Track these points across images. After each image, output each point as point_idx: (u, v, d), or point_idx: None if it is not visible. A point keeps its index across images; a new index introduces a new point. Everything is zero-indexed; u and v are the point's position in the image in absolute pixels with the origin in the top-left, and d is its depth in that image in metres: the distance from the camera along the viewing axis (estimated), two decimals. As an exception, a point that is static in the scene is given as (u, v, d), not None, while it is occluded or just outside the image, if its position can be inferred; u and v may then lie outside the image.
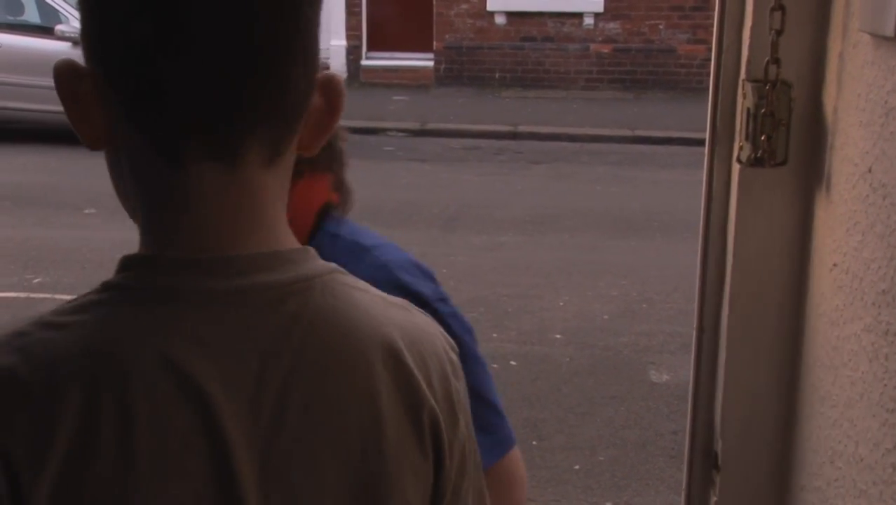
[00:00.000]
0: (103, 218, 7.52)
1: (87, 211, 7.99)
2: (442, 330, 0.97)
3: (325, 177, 1.39)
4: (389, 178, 9.03)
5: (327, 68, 1.33)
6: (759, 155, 1.20)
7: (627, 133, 11.82)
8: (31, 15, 11.57)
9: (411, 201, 8.28)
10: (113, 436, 0.78)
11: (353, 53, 15.04)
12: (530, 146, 11.44)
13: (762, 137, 1.19)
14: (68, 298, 0.85)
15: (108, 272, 0.86)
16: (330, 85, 0.89)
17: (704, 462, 1.36)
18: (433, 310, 1.32)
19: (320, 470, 0.85)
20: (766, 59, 1.18)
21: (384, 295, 0.93)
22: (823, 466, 1.17)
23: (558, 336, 5.69)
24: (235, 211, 0.84)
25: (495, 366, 4.84)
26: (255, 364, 0.83)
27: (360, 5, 15.01)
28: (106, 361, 0.80)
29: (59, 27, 10.75)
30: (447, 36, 14.92)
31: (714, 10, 1.28)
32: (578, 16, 14.64)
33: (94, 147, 0.86)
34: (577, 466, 4.31)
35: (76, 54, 0.86)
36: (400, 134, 11.62)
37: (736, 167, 1.25)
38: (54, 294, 6.03)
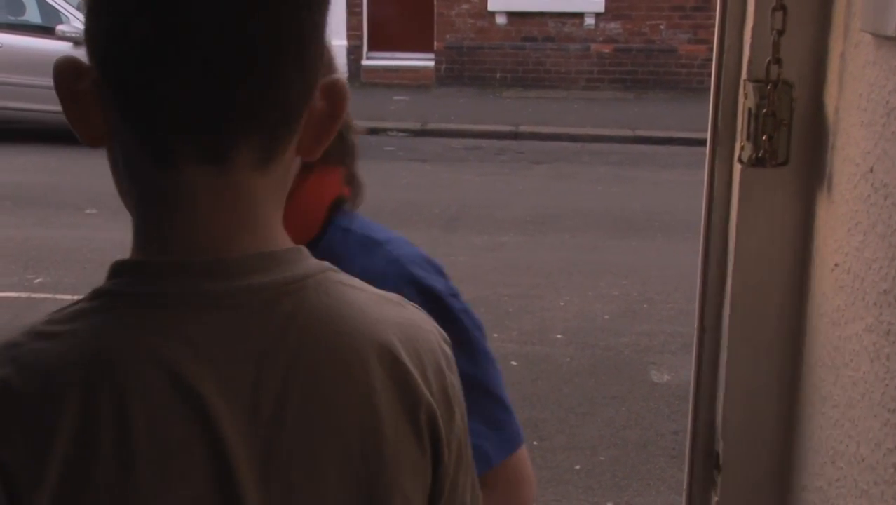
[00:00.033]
0: (104, 218, 7.53)
1: (87, 211, 8.00)
2: (435, 323, 0.97)
3: (337, 170, 1.38)
4: (390, 179, 9.03)
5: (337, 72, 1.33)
6: (760, 155, 1.20)
7: (628, 133, 11.82)
8: (32, 15, 11.57)
9: (412, 201, 8.28)
10: (111, 443, 0.78)
11: (353, 53, 15.04)
12: (531, 146, 11.44)
13: (763, 137, 1.19)
14: (69, 298, 0.85)
15: (108, 272, 0.86)
16: (333, 89, 0.89)
17: (706, 462, 1.36)
18: (445, 305, 1.31)
19: (320, 470, 0.85)
20: (768, 59, 1.18)
21: (378, 291, 0.93)
22: (825, 467, 1.17)
23: (559, 336, 5.68)
24: (226, 212, 0.84)
25: (496, 366, 4.83)
26: (252, 367, 0.83)
27: (360, 5, 15.02)
28: (101, 368, 0.80)
29: (60, 27, 10.76)
30: (448, 36, 14.92)
31: (715, 10, 1.28)
32: (579, 16, 14.64)
33: (91, 144, 0.86)
34: (577, 467, 4.31)
35: (78, 54, 0.86)
36: (401, 134, 11.62)
37: (737, 167, 1.25)
38: (55, 294, 6.04)
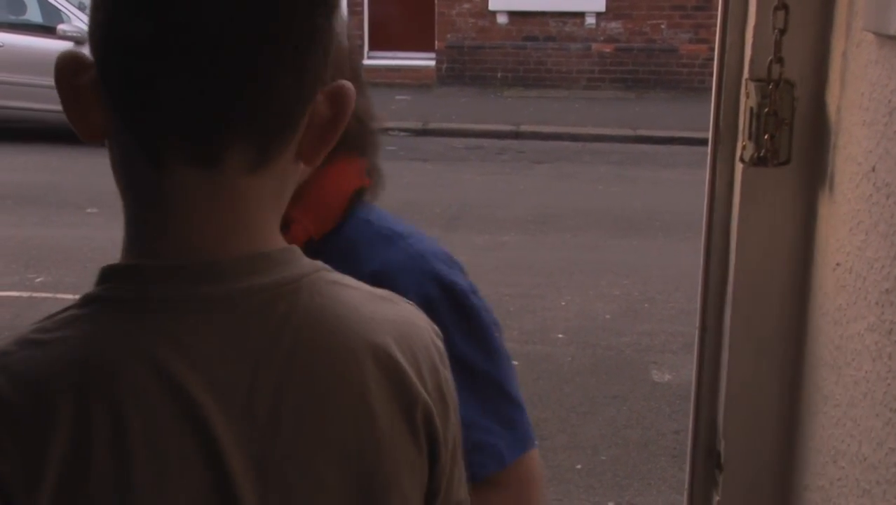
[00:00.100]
0: (105, 217, 7.52)
1: (88, 210, 8.00)
2: (427, 318, 0.97)
3: (359, 161, 1.37)
4: (391, 178, 8.94)
5: (357, 77, 1.32)
6: (762, 154, 1.20)
7: (629, 133, 11.81)
8: (34, 14, 11.57)
9: (413, 201, 8.28)
10: (107, 449, 0.78)
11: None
12: (532, 146, 11.44)
13: (765, 137, 1.19)
14: (70, 297, 0.85)
15: (109, 271, 0.85)
16: (339, 95, 0.88)
17: (707, 461, 1.36)
18: (465, 301, 1.31)
19: (317, 472, 0.84)
20: (770, 58, 1.18)
21: (371, 289, 0.93)
22: (826, 466, 1.16)
23: (560, 336, 5.68)
24: (219, 214, 0.83)
25: (497, 365, 4.82)
26: (247, 371, 0.82)
27: (361, 5, 15.02)
28: (94, 374, 0.79)
29: (61, 27, 10.76)
30: (449, 35, 14.92)
31: (716, 9, 1.28)
32: (580, 15, 14.63)
33: (90, 141, 0.86)
34: (578, 466, 4.31)
35: None
36: (402, 133, 11.61)
37: (739, 166, 1.25)
38: (56, 293, 6.04)
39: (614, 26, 14.59)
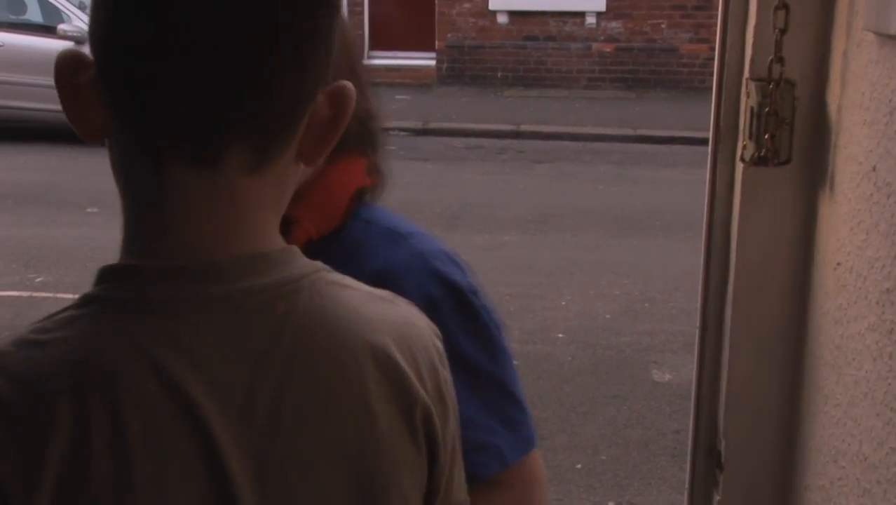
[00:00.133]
0: (105, 217, 7.52)
1: (89, 210, 8.00)
2: (427, 319, 0.97)
3: (361, 160, 1.37)
4: (391, 178, 9.00)
5: (358, 76, 1.32)
6: (762, 154, 1.20)
7: (630, 132, 11.81)
8: (34, 14, 11.57)
9: (413, 200, 8.28)
10: (107, 450, 0.78)
11: (355, 52, 15.01)
12: (532, 145, 11.44)
13: (766, 136, 1.19)
14: (71, 297, 0.85)
15: (110, 271, 0.85)
16: (340, 95, 0.88)
17: (707, 461, 1.36)
18: (468, 301, 1.31)
19: (317, 473, 0.84)
20: (770, 57, 1.18)
21: (370, 289, 0.93)
22: (827, 466, 1.16)
23: (560, 335, 5.68)
24: (218, 215, 0.83)
25: (497, 365, 4.82)
26: (246, 372, 0.82)
27: (362, 4, 15.01)
28: (93, 374, 0.79)
29: (61, 26, 10.76)
30: (449, 35, 14.92)
31: (716, 9, 1.28)
32: (580, 15, 14.63)
33: (88, 139, 0.86)
34: (579, 466, 4.31)
35: None
36: (402, 133, 11.61)
37: (739, 166, 1.25)
38: (56, 293, 6.04)
39: (615, 26, 14.58)
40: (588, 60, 14.66)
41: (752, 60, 1.21)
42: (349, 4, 14.85)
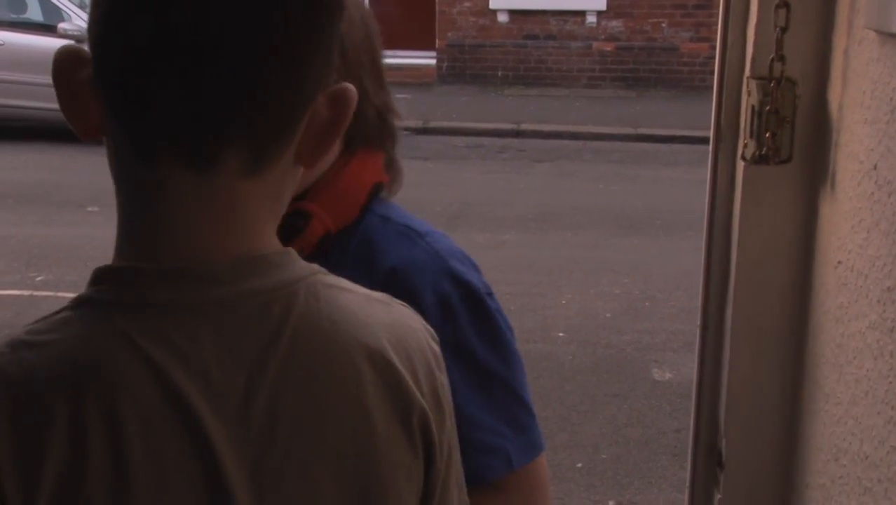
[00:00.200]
0: (106, 216, 7.51)
1: (89, 208, 8.00)
2: (423, 321, 0.96)
3: (378, 155, 1.36)
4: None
5: (377, 71, 1.31)
6: (763, 152, 1.20)
7: (630, 131, 11.81)
8: (34, 13, 11.57)
9: (414, 199, 8.27)
10: (104, 455, 0.77)
11: (355, 51, 15.01)
12: (533, 144, 11.44)
13: (767, 135, 1.19)
14: (71, 295, 0.84)
15: (110, 270, 0.85)
16: (341, 98, 0.87)
17: (708, 460, 1.36)
18: (482, 301, 1.30)
19: (313, 478, 0.84)
20: (771, 56, 1.18)
21: (367, 291, 0.92)
22: (828, 464, 1.16)
23: (561, 334, 5.68)
24: (214, 217, 0.82)
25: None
26: (243, 376, 0.82)
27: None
28: (89, 377, 0.78)
29: (61, 25, 10.76)
30: (450, 34, 14.91)
31: (717, 7, 1.28)
32: (581, 14, 14.63)
33: (85, 137, 0.85)
34: (579, 465, 4.31)
35: None
36: (403, 132, 11.58)
37: (740, 164, 1.25)
38: (57, 292, 6.04)
39: (615, 25, 14.58)
40: (588, 59, 14.66)
41: (753, 59, 1.21)
42: (349, 3, 14.83)
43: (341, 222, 1.31)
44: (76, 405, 0.77)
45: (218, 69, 0.79)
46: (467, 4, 14.81)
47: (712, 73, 1.29)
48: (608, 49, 14.59)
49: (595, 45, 14.62)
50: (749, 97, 1.21)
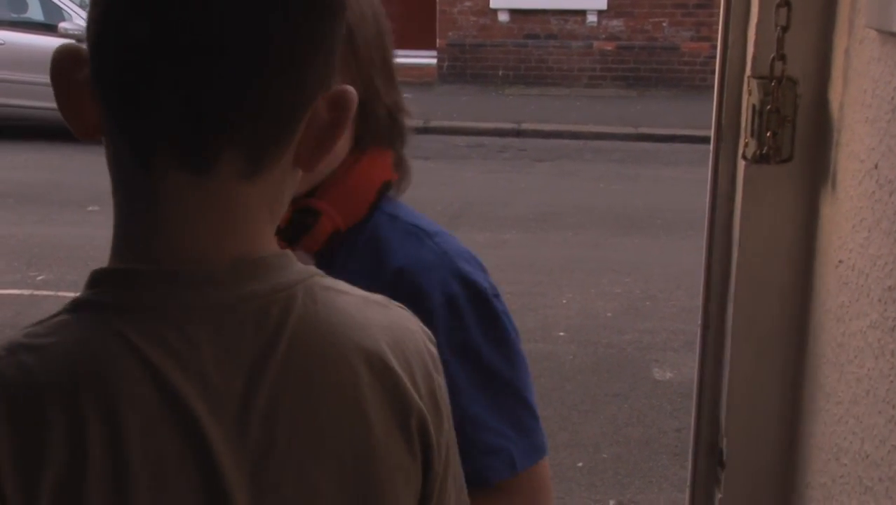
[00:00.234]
0: (106, 215, 7.43)
1: (90, 208, 8.00)
2: (420, 323, 0.96)
3: (388, 154, 1.36)
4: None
5: (388, 69, 1.30)
6: (764, 151, 1.20)
7: (631, 130, 11.81)
8: (35, 12, 11.57)
9: (414, 199, 8.26)
10: (103, 455, 0.77)
11: (356, 51, 15.00)
12: (534, 144, 11.44)
13: (767, 134, 1.19)
14: (72, 295, 0.84)
15: (110, 270, 0.84)
16: (340, 101, 0.86)
17: (709, 459, 1.36)
18: (489, 303, 1.30)
19: (311, 479, 0.84)
20: (772, 55, 1.18)
21: (364, 294, 0.92)
22: (829, 463, 1.16)
23: (561, 333, 5.68)
24: (211, 220, 0.82)
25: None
26: (241, 379, 0.81)
27: (363, 3, 15.00)
28: (90, 378, 0.78)
29: (62, 25, 10.76)
30: (450, 33, 14.91)
31: (717, 6, 1.28)
32: (581, 13, 14.63)
33: (83, 136, 0.84)
34: (580, 464, 4.31)
35: None
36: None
37: (741, 164, 1.25)
38: (57, 291, 6.04)
39: (616, 24, 14.58)
40: (589, 59, 14.66)
41: (754, 58, 1.21)
42: (350, 3, 14.83)
43: (350, 220, 1.31)
44: (74, 408, 0.77)
45: (217, 71, 0.78)
46: (468, 4, 14.81)
47: (713, 72, 1.29)
48: (609, 48, 14.59)
49: (596, 44, 14.62)
50: (750, 96, 1.22)
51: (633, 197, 8.96)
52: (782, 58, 1.18)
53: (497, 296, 1.32)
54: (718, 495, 1.33)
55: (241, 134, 0.80)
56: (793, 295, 1.26)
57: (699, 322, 1.34)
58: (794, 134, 1.20)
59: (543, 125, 12.08)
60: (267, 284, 0.83)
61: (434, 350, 0.95)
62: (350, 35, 1.24)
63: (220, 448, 0.80)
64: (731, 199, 1.28)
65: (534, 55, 14.76)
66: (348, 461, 0.85)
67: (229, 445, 0.80)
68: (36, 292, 6.18)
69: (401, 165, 1.38)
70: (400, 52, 1.32)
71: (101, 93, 0.81)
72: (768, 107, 1.18)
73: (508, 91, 14.41)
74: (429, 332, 0.96)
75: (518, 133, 11.91)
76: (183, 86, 0.78)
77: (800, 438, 1.27)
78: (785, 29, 1.17)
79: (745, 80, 1.23)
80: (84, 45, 0.84)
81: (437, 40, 14.94)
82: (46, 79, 0.85)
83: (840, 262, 1.14)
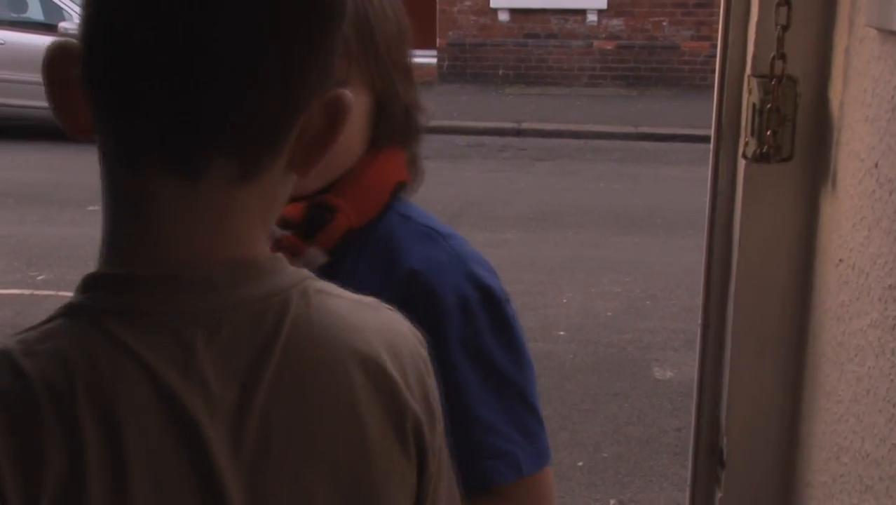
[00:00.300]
0: (107, 215, 7.52)
1: (90, 208, 7.99)
2: (411, 325, 0.95)
3: (402, 153, 1.36)
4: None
5: (405, 68, 1.30)
6: (764, 150, 1.20)
7: (631, 130, 11.81)
8: (35, 12, 11.57)
9: (415, 198, 8.28)
10: (102, 459, 0.77)
11: (356, 50, 15.00)
12: (534, 143, 11.44)
13: (768, 133, 1.19)
14: (72, 295, 0.84)
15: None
16: (335, 106, 0.85)
17: (709, 458, 1.36)
18: (500, 307, 1.30)
19: (307, 485, 0.84)
20: (772, 54, 1.18)
21: (355, 297, 0.91)
22: (829, 462, 1.16)
23: (562, 333, 5.69)
24: (203, 225, 0.81)
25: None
26: (237, 383, 0.81)
27: (363, 2, 15.00)
28: (85, 384, 0.77)
29: (62, 24, 10.76)
30: (450, 33, 14.91)
31: (717, 6, 1.28)
32: (582, 12, 14.63)
33: (75, 135, 0.83)
34: (580, 463, 4.31)
35: None
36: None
37: (741, 163, 1.25)
38: (58, 291, 6.04)
39: (616, 23, 14.58)
40: (589, 58, 14.65)
41: (754, 57, 1.21)
42: (350, 2, 14.82)
43: (363, 219, 1.31)
44: (72, 409, 0.76)
45: (212, 76, 0.77)
46: (468, 3, 14.82)
47: (713, 71, 1.29)
48: (609, 48, 14.59)
49: (596, 43, 14.62)
50: (750, 95, 1.22)
51: (634, 196, 8.96)
52: (782, 57, 1.18)
53: (508, 301, 1.32)
54: (719, 494, 1.33)
55: (234, 139, 0.80)
56: (793, 294, 1.26)
57: (699, 321, 1.34)
58: (794, 133, 1.20)
59: (543, 125, 12.08)
60: (262, 288, 0.83)
61: (425, 353, 0.94)
62: (371, 34, 1.24)
63: (218, 450, 0.80)
64: (732, 199, 1.28)
65: (534, 54, 14.76)
66: (343, 464, 0.85)
67: (226, 448, 0.80)
68: (36, 292, 6.18)
69: (414, 165, 1.37)
70: (400, 51, 1.32)
71: (93, 93, 0.80)
72: (768, 106, 1.18)
73: (508, 90, 14.42)
74: (419, 334, 0.95)
75: (518, 132, 11.91)
76: (176, 90, 0.77)
77: (800, 437, 1.27)
78: (785, 28, 1.17)
79: (746, 79, 1.23)
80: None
81: (438, 40, 14.94)
82: (47, 79, 0.84)
83: (840, 260, 1.14)
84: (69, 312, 0.81)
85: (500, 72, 14.81)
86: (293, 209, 1.26)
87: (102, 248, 0.83)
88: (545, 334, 5.62)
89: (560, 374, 5.12)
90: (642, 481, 4.21)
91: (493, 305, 1.29)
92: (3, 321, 5.57)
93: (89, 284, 0.82)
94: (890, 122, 1.01)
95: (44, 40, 10.44)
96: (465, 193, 8.95)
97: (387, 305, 0.94)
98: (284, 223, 1.26)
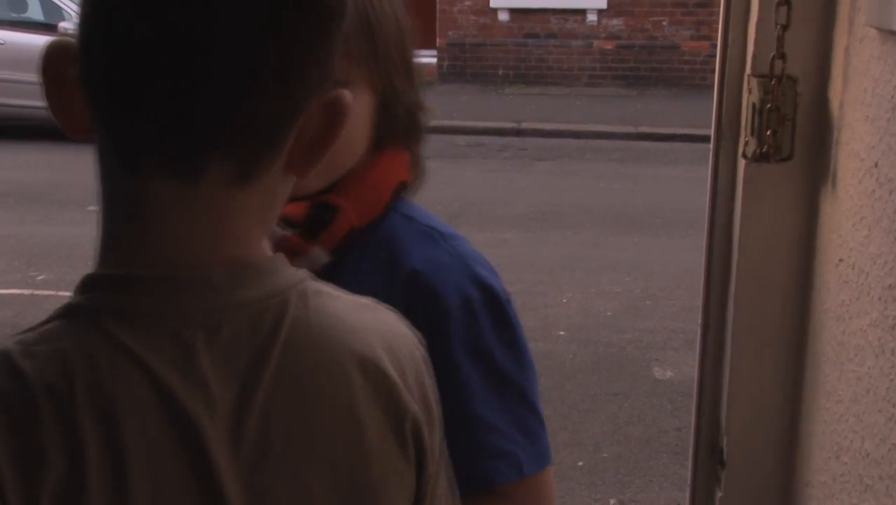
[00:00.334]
0: (107, 215, 7.51)
1: (90, 208, 7.99)
2: (409, 326, 0.95)
3: (406, 153, 1.35)
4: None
5: (408, 67, 1.30)
6: (764, 150, 1.20)
7: (631, 130, 11.81)
8: (35, 12, 11.58)
9: (415, 198, 8.28)
10: (102, 459, 0.76)
11: (356, 50, 15.00)
12: (534, 143, 11.44)
13: (768, 133, 1.19)
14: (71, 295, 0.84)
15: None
16: (334, 106, 0.85)
17: (709, 458, 1.36)
18: (503, 308, 1.30)
19: (306, 486, 0.84)
20: (772, 54, 1.18)
21: (353, 297, 0.91)
22: (829, 462, 1.16)
23: (562, 333, 5.68)
24: (201, 226, 0.81)
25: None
26: (236, 385, 0.81)
27: (363, 2, 15.00)
28: (84, 385, 0.77)
29: (62, 24, 10.76)
30: (450, 33, 14.91)
31: (717, 6, 1.28)
32: (582, 12, 14.63)
33: (73, 134, 0.83)
34: (580, 463, 4.31)
35: None
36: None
37: (741, 162, 1.25)
38: (58, 291, 6.04)
39: (616, 23, 14.58)
40: (589, 58, 14.66)
41: (754, 57, 1.21)
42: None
43: (365, 219, 1.31)
44: (71, 409, 0.76)
45: (210, 78, 0.77)
46: (468, 3, 14.82)
47: (713, 71, 1.29)
48: (609, 47, 14.59)
49: (596, 43, 14.62)
50: (750, 95, 1.22)
51: (633, 196, 8.96)
52: (782, 56, 1.18)
53: (510, 302, 1.32)
54: (719, 494, 1.33)
55: (234, 140, 0.79)
56: (793, 294, 1.26)
57: (699, 321, 1.35)
58: (794, 132, 1.20)
59: (543, 124, 12.08)
60: (261, 289, 0.83)
61: (424, 353, 0.94)
62: (371, 34, 1.24)
63: (217, 450, 0.80)
64: (732, 198, 1.28)
65: (534, 54, 14.76)
66: (342, 465, 0.85)
67: (225, 448, 0.80)
68: (36, 292, 6.18)
69: (416, 165, 1.37)
70: (400, 51, 1.32)
71: (91, 93, 0.80)
72: (768, 105, 1.18)
73: (508, 90, 14.42)
74: (418, 334, 0.95)
75: (518, 132, 11.91)
76: (176, 90, 0.77)
77: (800, 437, 1.27)
78: (785, 27, 1.17)
79: (745, 78, 1.23)
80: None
81: (437, 39, 14.94)
82: (45, 78, 0.83)
83: (840, 260, 1.14)
84: (68, 312, 0.81)
85: (500, 72, 14.81)
86: (296, 209, 1.26)
87: (100, 249, 0.83)
88: (545, 334, 5.62)
89: (560, 374, 5.12)
90: (642, 481, 4.21)
91: (496, 306, 1.30)
92: (3, 321, 5.57)
93: (88, 285, 0.82)
94: (890, 121, 1.01)
95: (44, 40, 10.46)
96: (465, 193, 8.95)
97: (385, 306, 0.94)
98: (287, 223, 1.26)
